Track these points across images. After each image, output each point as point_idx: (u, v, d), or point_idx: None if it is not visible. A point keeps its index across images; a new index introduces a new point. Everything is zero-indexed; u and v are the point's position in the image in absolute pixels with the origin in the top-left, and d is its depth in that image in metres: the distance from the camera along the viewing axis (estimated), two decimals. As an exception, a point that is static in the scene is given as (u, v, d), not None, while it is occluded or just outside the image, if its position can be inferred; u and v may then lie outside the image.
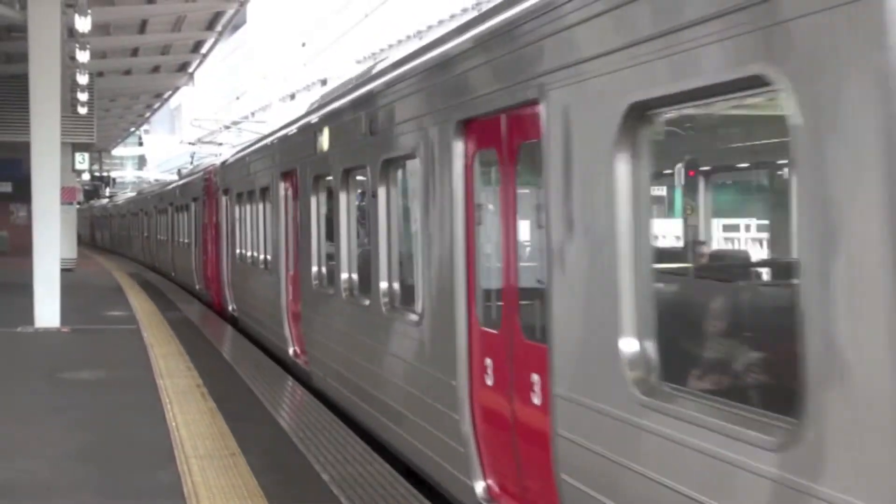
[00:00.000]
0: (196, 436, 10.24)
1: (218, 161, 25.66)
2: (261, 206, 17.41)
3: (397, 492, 8.20)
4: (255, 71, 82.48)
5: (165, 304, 25.10)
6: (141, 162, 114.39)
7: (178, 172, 45.84)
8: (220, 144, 44.64)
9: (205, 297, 26.37)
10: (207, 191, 25.50)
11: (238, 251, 20.28)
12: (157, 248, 41.03)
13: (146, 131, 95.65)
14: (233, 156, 22.01)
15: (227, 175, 22.10)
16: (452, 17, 41.55)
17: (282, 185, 15.42)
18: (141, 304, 25.03)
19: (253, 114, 64.29)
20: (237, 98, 71.32)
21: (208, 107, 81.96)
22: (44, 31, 20.82)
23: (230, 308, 21.93)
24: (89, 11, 23.74)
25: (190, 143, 51.09)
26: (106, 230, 73.45)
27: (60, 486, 8.68)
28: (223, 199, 22.65)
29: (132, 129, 70.25)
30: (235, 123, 53.25)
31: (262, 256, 17.48)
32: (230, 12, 31.40)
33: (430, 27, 45.05)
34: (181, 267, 32.09)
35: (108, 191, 71.62)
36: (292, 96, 57.67)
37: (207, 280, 25.80)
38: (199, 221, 27.06)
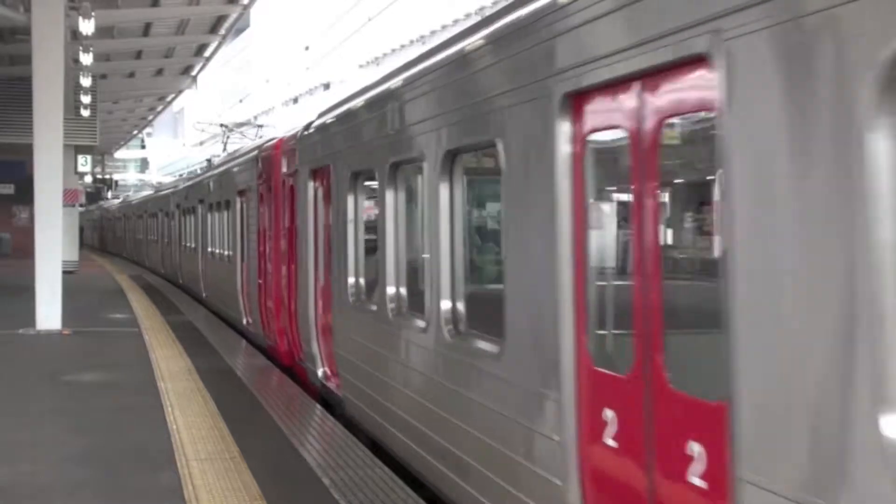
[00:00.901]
0: (197, 439, 10.24)
1: (286, 131, 16.69)
2: (425, 193, 8.51)
3: (397, 496, 8.19)
4: (258, 74, 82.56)
5: (167, 307, 25.10)
6: (143, 165, 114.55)
7: (209, 162, 34.53)
8: (261, 127, 35.06)
9: (259, 339, 17.83)
10: (268, 178, 16.81)
11: (350, 280, 11.15)
12: (183, 260, 31.47)
13: (149, 134, 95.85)
14: (335, 109, 12.29)
15: (320, 145, 12.82)
16: (456, 21, 41.60)
17: (566, 129, 5.80)
18: (142, 307, 25.04)
19: (255, 117, 64.32)
20: (240, 101, 71.40)
21: (211, 110, 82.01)
22: (47, 33, 20.86)
23: (320, 374, 12.96)
24: (93, 14, 23.83)
25: (223, 126, 38.49)
26: (119, 233, 63.71)
27: (61, 489, 8.68)
28: (309, 188, 13.36)
29: (135, 132, 70.42)
30: (238, 127, 53.26)
31: (450, 307, 8.02)
32: (233, 16, 31.49)
33: (433, 32, 45.10)
34: (217, 288, 23.39)
35: (110, 193, 71.23)
36: (295, 100, 57.73)
37: (266, 314, 17.10)
38: (252, 224, 18.49)
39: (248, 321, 19.12)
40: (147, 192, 55.63)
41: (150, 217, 44.02)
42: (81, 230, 54.33)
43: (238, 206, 20.00)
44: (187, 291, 29.86)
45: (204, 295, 26.11)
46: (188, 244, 29.79)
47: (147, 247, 45.56)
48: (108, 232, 72.27)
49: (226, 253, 21.98)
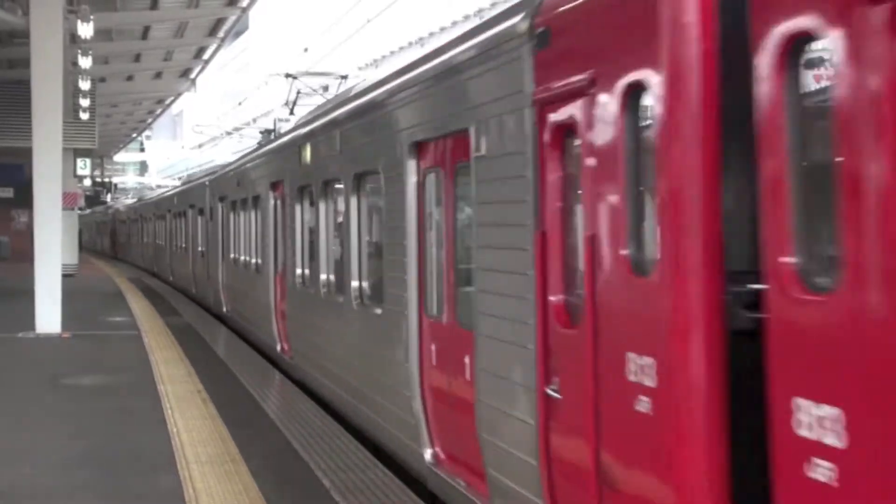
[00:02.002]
0: (197, 441, 10.23)
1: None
2: None
3: (398, 498, 8.19)
4: (257, 76, 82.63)
5: (166, 310, 25.08)
6: (142, 168, 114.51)
7: (270, 132, 23.41)
8: (344, 78, 22.80)
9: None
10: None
11: None
12: (231, 282, 21.33)
13: (148, 137, 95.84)
14: None
15: None
16: (454, 23, 41.64)
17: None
18: (142, 310, 25.02)
19: (255, 120, 64.36)
20: (239, 104, 71.42)
21: (210, 112, 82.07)
22: (46, 36, 20.86)
23: None
24: (91, 17, 23.83)
25: (289, 76, 24.09)
26: (135, 237, 51.80)
27: (61, 492, 8.68)
28: None
29: (134, 135, 70.39)
30: (237, 129, 53.26)
31: None
32: (232, 18, 31.48)
33: (431, 34, 45.13)
34: (343, 364, 11.44)
35: (109, 196, 70.84)
36: (294, 102, 57.70)
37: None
38: (515, 227, 6.45)
39: (438, 456, 8.32)
40: (163, 191, 45.43)
41: (175, 217, 33.02)
42: (80, 233, 53.54)
43: (412, 184, 8.74)
44: (243, 335, 19.29)
45: (290, 358, 14.64)
46: (243, 258, 19.36)
47: (171, 257, 34.68)
48: (121, 236, 60.98)
49: (377, 289, 10.10)
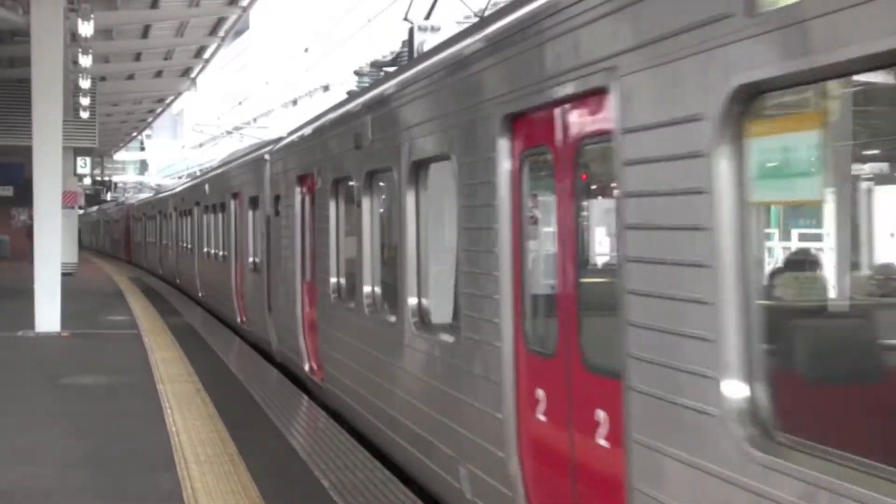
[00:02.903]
0: (196, 441, 10.23)
1: None
2: None
3: (397, 498, 8.18)
4: (258, 76, 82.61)
5: (166, 309, 25.06)
6: (143, 167, 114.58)
7: (367, 81, 14.52)
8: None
9: None
10: None
11: None
12: (350, 335, 10.86)
13: (148, 136, 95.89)
14: None
15: None
16: (456, 22, 41.60)
17: None
18: (142, 309, 25.01)
19: (255, 119, 64.37)
20: (239, 103, 71.42)
21: (210, 112, 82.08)
22: (46, 35, 20.86)
23: None
24: (92, 16, 23.82)
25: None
26: (151, 239, 42.63)
27: (61, 493, 8.67)
28: None
29: (134, 134, 70.37)
30: (237, 129, 53.24)
31: None
32: (233, 18, 31.48)
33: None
34: None
35: (109, 195, 70.64)
36: (294, 102, 57.76)
37: None
38: None
39: None
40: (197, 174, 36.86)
41: (206, 212, 25.36)
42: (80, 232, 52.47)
43: None
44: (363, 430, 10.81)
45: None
46: (369, 290, 10.29)
47: (200, 269, 26.60)
48: (136, 236, 51.77)
49: None
